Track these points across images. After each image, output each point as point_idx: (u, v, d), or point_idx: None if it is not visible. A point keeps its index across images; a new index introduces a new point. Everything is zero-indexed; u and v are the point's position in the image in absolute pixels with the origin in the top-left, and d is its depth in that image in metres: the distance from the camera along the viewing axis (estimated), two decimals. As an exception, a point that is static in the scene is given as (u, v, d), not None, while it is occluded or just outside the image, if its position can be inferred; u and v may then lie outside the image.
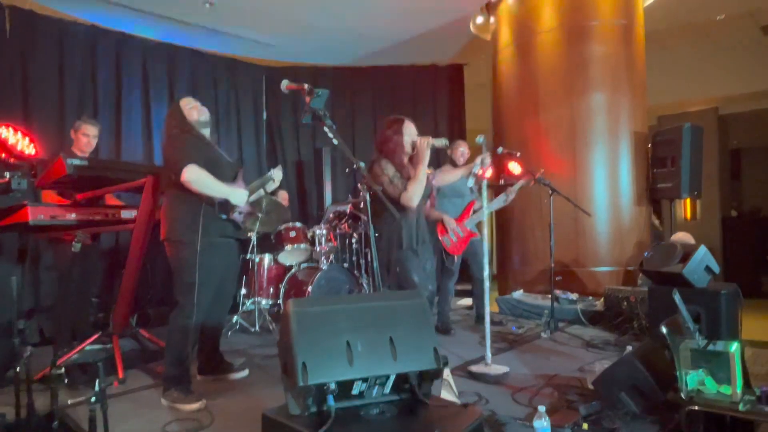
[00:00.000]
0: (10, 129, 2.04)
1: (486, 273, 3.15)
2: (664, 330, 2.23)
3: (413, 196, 2.78)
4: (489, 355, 3.00)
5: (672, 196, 4.93)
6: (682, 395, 2.09)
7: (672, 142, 4.74)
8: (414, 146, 2.87)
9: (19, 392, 2.00)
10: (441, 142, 2.85)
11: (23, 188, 1.90)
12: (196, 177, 2.57)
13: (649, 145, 5.02)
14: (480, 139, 2.99)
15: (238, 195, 2.72)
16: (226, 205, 2.66)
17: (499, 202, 4.21)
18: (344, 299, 1.81)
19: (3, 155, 1.98)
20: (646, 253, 3.61)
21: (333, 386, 1.44)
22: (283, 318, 1.56)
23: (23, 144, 2.04)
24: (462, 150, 4.17)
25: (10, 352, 2.81)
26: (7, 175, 1.90)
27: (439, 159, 5.21)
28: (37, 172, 2.59)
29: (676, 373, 2.16)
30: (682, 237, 4.40)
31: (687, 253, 3.20)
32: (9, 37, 4.39)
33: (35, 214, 2.76)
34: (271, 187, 3.02)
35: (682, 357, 2.19)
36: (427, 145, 2.78)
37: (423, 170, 2.79)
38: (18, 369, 1.95)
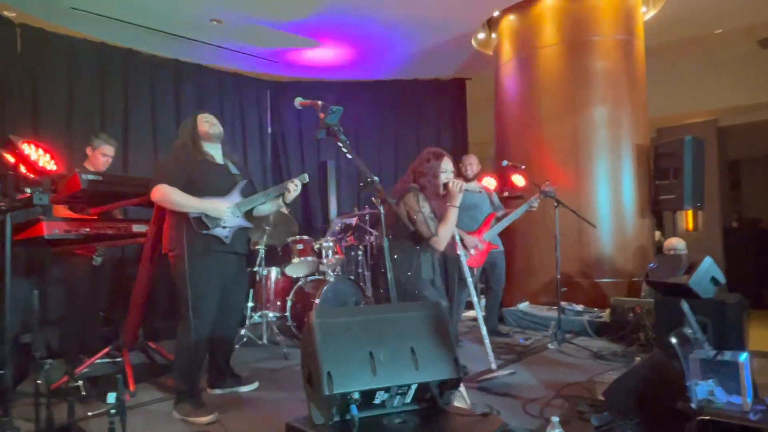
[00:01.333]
0: (32, 145, 2.09)
1: (470, 280, 3.16)
2: (673, 340, 2.26)
3: (442, 240, 2.78)
4: (492, 360, 3.02)
5: (675, 208, 4.98)
6: (693, 405, 2.11)
7: (674, 155, 4.81)
8: (446, 185, 2.86)
9: (39, 405, 2.02)
10: (475, 187, 2.91)
11: (44, 203, 1.93)
12: (161, 197, 2.66)
13: (651, 158, 5.08)
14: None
15: (215, 209, 2.73)
16: (203, 220, 2.67)
17: (520, 212, 4.20)
18: (366, 310, 1.84)
19: (25, 171, 2.02)
20: (651, 264, 3.64)
21: (357, 396, 1.46)
22: (306, 329, 1.59)
23: (44, 160, 2.08)
24: (470, 162, 4.24)
25: (21, 365, 2.84)
26: (28, 190, 1.93)
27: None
28: (57, 187, 2.64)
29: (686, 383, 2.18)
30: (674, 243, 4.45)
31: (692, 264, 3.23)
32: (20, 55, 4.46)
33: (50, 229, 2.80)
34: (289, 197, 2.97)
35: (692, 367, 2.21)
36: (459, 189, 2.79)
37: (454, 214, 2.79)
38: (39, 381, 1.97)
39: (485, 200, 4.23)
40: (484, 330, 3.10)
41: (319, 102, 2.22)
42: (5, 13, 4.50)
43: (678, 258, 3.41)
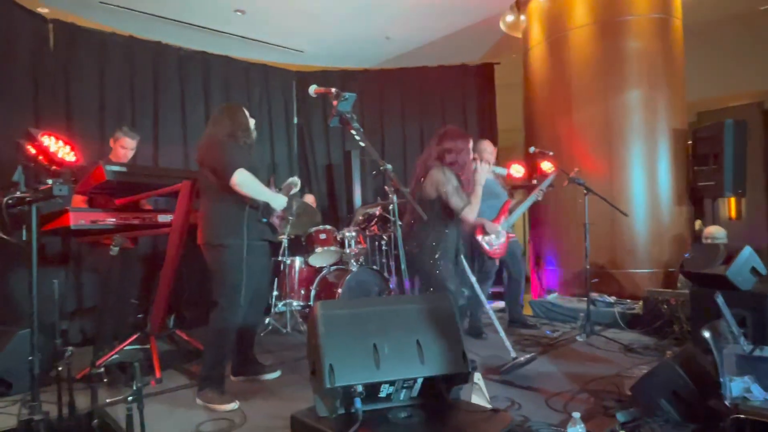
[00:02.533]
0: (52, 138, 2.13)
1: (472, 278, 3.15)
2: (706, 334, 2.14)
3: (473, 212, 2.82)
4: (510, 348, 2.95)
5: (714, 195, 4.75)
6: (727, 403, 2.00)
7: (714, 139, 4.57)
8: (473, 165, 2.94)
9: (61, 391, 2.07)
10: (502, 171, 3.02)
11: (65, 194, 1.97)
12: (246, 181, 2.64)
13: (690, 143, 4.84)
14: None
15: (278, 200, 2.81)
16: (267, 209, 2.74)
17: (530, 202, 4.11)
18: (371, 302, 1.80)
19: (45, 163, 2.07)
20: (686, 254, 3.47)
21: (360, 389, 1.43)
22: (310, 320, 1.57)
23: (64, 152, 2.12)
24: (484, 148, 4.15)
25: (54, 351, 2.94)
26: (50, 182, 1.97)
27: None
28: (78, 178, 2.69)
29: (720, 380, 2.06)
30: (713, 231, 4.24)
31: (731, 254, 3.06)
32: (53, 50, 4.58)
33: (77, 219, 2.89)
34: (293, 191, 3.11)
35: (727, 363, 2.09)
36: (487, 170, 2.88)
37: (479, 192, 2.87)
38: (60, 368, 2.02)
39: (499, 187, 4.15)
40: (494, 318, 3.05)
41: (333, 89, 2.18)
42: (38, 9, 4.62)
43: (715, 247, 3.24)
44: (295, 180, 3.08)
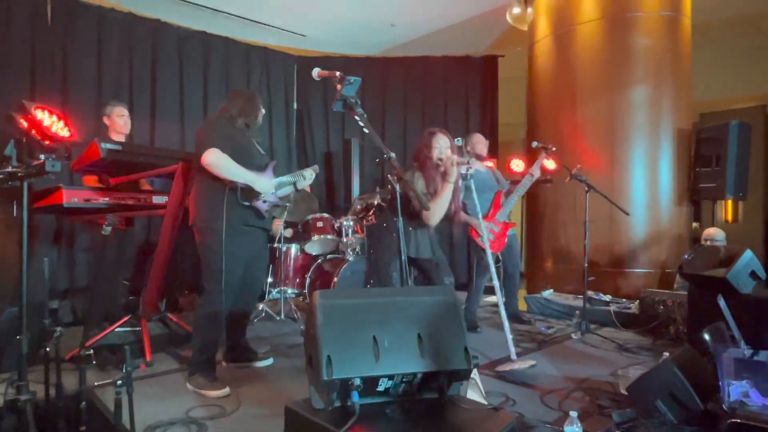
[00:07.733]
0: (45, 111, 2.06)
1: (493, 267, 3.08)
2: (706, 337, 2.12)
3: (434, 215, 2.83)
4: (512, 349, 2.92)
5: (715, 197, 4.74)
6: (724, 406, 1.98)
7: (717, 140, 4.54)
8: (441, 160, 2.89)
9: (49, 372, 2.03)
10: (464, 160, 2.91)
11: (57, 170, 1.91)
12: (215, 160, 2.56)
13: (693, 143, 4.81)
14: (459, 141, 3.02)
15: (261, 182, 2.72)
16: (249, 192, 2.65)
17: (525, 186, 4.04)
18: (372, 293, 1.76)
19: (38, 137, 2.00)
20: (686, 256, 3.45)
21: (358, 382, 1.39)
22: (309, 309, 1.53)
23: (58, 126, 2.06)
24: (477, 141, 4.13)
25: (42, 331, 2.89)
26: (42, 157, 1.91)
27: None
28: (71, 155, 2.62)
29: (718, 383, 2.04)
30: (712, 233, 4.23)
31: (731, 256, 3.04)
32: (51, 24, 4.48)
33: (69, 197, 2.82)
34: (302, 185, 3.01)
35: (725, 366, 2.08)
36: (452, 163, 2.82)
37: (449, 190, 2.84)
38: (48, 349, 1.98)
39: (492, 179, 4.11)
40: (505, 317, 3.01)
41: (337, 73, 2.12)
42: (36, -18, 4.51)
43: (716, 249, 3.21)
44: (302, 172, 3.00)
